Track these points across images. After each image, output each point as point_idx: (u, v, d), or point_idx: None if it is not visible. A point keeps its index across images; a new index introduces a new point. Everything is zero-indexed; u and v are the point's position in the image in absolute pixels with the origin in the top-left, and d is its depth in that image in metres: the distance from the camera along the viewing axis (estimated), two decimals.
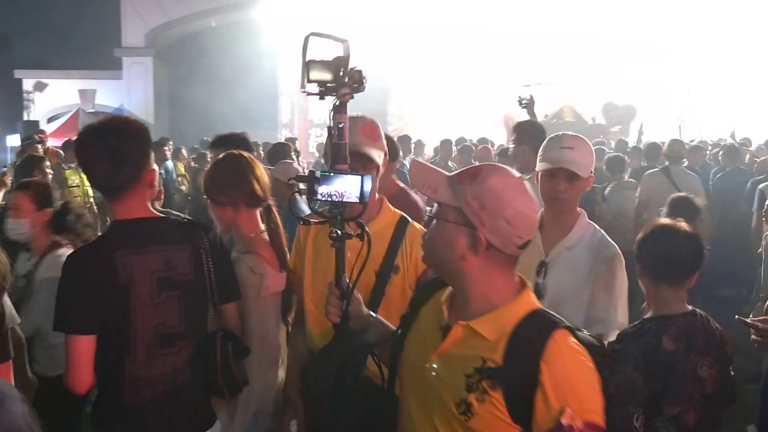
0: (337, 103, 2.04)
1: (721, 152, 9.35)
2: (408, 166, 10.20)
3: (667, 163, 7.30)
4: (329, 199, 1.90)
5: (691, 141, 11.38)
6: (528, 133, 4.67)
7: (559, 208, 2.62)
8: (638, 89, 18.09)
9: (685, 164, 7.81)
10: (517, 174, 1.64)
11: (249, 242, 2.81)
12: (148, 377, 2.24)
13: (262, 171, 2.87)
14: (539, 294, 2.40)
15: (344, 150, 2.02)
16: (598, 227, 2.68)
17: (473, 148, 10.31)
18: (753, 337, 2.56)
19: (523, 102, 5.19)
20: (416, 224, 2.54)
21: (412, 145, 11.39)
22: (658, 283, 2.47)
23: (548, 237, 2.62)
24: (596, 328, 2.33)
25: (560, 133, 2.74)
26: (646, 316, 2.49)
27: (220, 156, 2.98)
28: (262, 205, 2.87)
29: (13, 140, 15.60)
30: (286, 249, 2.82)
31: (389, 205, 2.59)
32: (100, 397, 2.31)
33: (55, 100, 21.88)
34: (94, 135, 2.23)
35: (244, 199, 2.79)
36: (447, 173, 1.68)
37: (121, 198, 2.25)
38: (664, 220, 2.61)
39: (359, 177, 1.89)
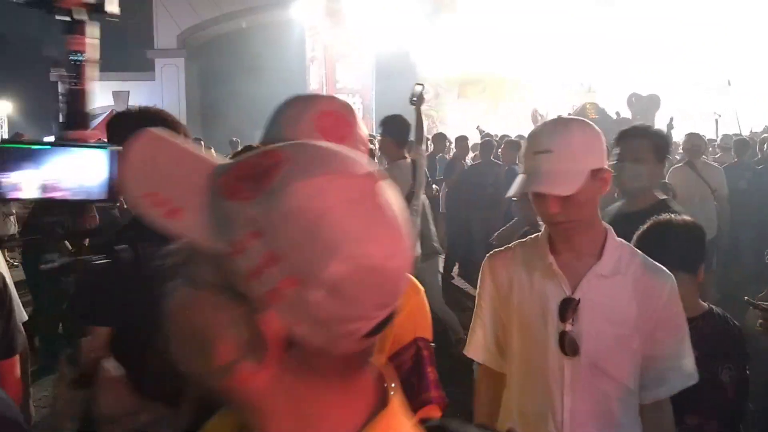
0: (67, 18, 1.21)
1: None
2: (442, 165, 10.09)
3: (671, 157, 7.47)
4: (36, 195, 1.01)
5: (725, 135, 11.16)
6: (390, 126, 5.07)
7: (570, 231, 1.85)
8: (670, 82, 17.76)
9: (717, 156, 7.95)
10: (365, 168, 0.73)
11: None
12: (169, 371, 2.24)
13: None
14: (570, 349, 1.79)
15: (82, 103, 1.18)
16: (630, 245, 1.98)
17: (495, 143, 9.71)
18: (760, 321, 2.41)
19: (413, 99, 5.29)
20: None
21: (447, 143, 11.17)
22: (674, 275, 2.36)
23: (568, 262, 1.86)
24: (674, 383, 1.88)
25: (538, 126, 1.97)
26: None
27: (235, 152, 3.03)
28: None
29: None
30: None
31: None
32: None
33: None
34: (137, 121, 2.12)
35: None
36: (213, 163, 0.77)
37: None
38: (662, 216, 2.47)
39: (105, 151, 1.11)
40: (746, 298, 2.41)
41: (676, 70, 18.14)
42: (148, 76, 22.77)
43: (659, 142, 3.18)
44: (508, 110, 18.45)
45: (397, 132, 5.05)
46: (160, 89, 22.46)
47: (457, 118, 19.22)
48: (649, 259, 1.90)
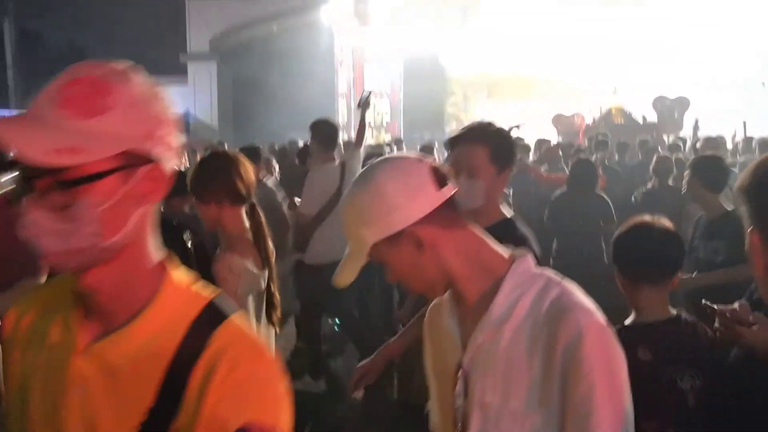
0: None
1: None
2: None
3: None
4: None
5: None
6: (316, 130, 5.22)
7: (431, 293, 1.44)
8: (696, 84, 17.56)
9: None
10: None
11: (232, 240, 2.78)
12: None
13: (247, 169, 2.85)
14: (458, 429, 1.37)
15: None
16: (554, 276, 1.36)
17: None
18: (716, 325, 2.18)
19: (360, 104, 5.48)
20: (238, 321, 1.13)
21: None
22: (637, 284, 2.25)
23: (467, 314, 1.39)
24: None
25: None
26: (626, 323, 2.25)
27: (206, 154, 3.11)
28: (247, 203, 2.86)
29: None
30: (272, 248, 2.86)
31: (173, 277, 1.13)
32: None
33: None
34: None
35: (228, 196, 2.78)
36: None
37: None
38: (645, 218, 2.35)
39: None
40: (704, 301, 2.17)
41: (677, 70, 18.00)
42: (181, 80, 23.10)
43: (500, 147, 2.45)
44: (537, 111, 18.36)
45: (323, 136, 5.18)
46: (192, 93, 22.77)
47: (487, 119, 19.17)
48: (572, 295, 1.31)
